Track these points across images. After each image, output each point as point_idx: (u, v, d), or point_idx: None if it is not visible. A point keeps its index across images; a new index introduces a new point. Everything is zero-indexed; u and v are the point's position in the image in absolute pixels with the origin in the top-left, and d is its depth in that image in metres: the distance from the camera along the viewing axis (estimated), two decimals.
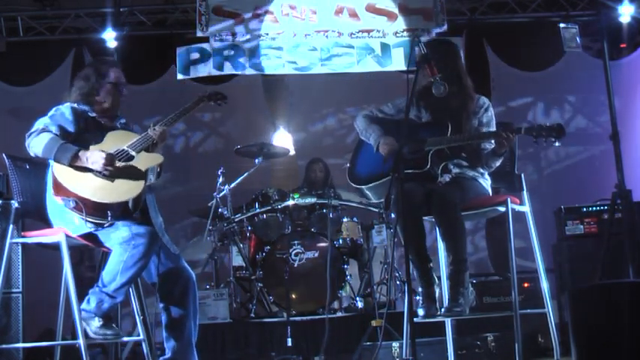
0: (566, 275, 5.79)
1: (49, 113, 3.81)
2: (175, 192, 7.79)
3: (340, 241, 6.06)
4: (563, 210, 5.92)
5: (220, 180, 6.06)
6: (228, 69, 6.16)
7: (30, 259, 4.56)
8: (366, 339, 5.07)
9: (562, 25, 6.38)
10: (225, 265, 6.37)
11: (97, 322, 3.62)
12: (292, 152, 7.34)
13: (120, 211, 3.65)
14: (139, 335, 4.16)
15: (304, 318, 5.58)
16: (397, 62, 6.12)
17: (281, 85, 7.94)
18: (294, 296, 5.67)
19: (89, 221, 3.59)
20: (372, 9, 6.22)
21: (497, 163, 3.96)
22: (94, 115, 3.90)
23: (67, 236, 3.67)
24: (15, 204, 3.86)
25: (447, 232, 3.80)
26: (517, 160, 4.11)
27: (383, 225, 5.99)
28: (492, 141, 3.89)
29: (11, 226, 3.87)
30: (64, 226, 3.68)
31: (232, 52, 6.12)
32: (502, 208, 3.85)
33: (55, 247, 3.69)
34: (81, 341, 3.56)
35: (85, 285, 4.01)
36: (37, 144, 3.67)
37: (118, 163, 3.68)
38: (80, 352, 3.58)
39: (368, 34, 6.17)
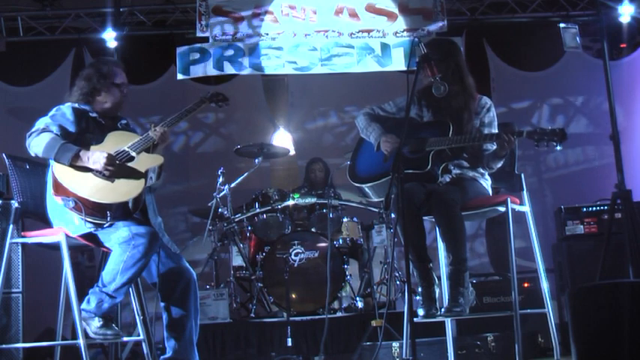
0: (566, 275, 5.79)
1: (50, 113, 3.81)
2: (175, 192, 7.79)
3: (340, 241, 6.07)
4: (563, 210, 5.92)
5: (220, 180, 6.06)
6: (228, 69, 6.15)
7: (30, 259, 4.56)
8: (366, 339, 5.08)
9: (562, 25, 6.38)
10: (225, 265, 6.37)
11: (97, 322, 3.62)
12: (292, 152, 7.34)
13: (120, 212, 3.65)
14: (139, 335, 4.17)
15: (304, 318, 5.58)
16: (397, 62, 6.11)
17: (281, 85, 7.94)
18: (294, 296, 5.67)
19: (88, 221, 3.59)
20: (372, 9, 6.21)
21: (499, 165, 3.96)
22: (94, 115, 3.90)
23: (67, 236, 3.67)
24: (15, 204, 3.87)
25: (447, 232, 3.80)
26: (517, 160, 4.11)
27: (383, 225, 5.99)
28: (494, 142, 3.89)
29: (11, 226, 3.88)
30: (64, 226, 3.68)
31: (232, 52, 6.12)
32: (502, 208, 3.84)
33: (55, 247, 3.69)
34: (81, 341, 3.56)
35: (85, 285, 4.02)
36: (37, 144, 3.67)
37: (118, 164, 3.68)
38: (80, 352, 3.58)
39: (368, 34, 6.17)
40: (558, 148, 3.69)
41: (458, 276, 3.75)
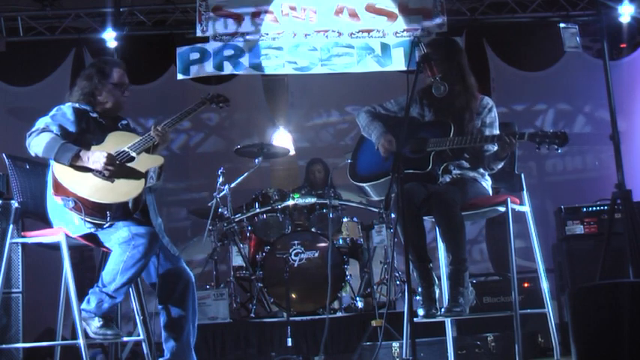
0: (566, 275, 5.79)
1: (51, 113, 3.81)
2: (175, 192, 7.79)
3: (340, 241, 6.07)
4: (563, 210, 5.92)
5: (220, 180, 6.06)
6: (228, 69, 6.15)
7: (30, 259, 4.56)
8: (366, 339, 5.07)
9: (562, 25, 6.38)
10: (225, 265, 6.37)
11: (97, 322, 3.62)
12: (292, 152, 7.34)
13: (120, 212, 3.65)
14: (139, 335, 4.17)
15: (304, 318, 5.58)
16: (397, 62, 6.11)
17: (281, 85, 7.94)
18: (294, 296, 5.67)
19: (88, 221, 3.59)
20: (372, 9, 6.21)
21: (499, 166, 3.95)
22: (95, 115, 3.89)
23: (67, 236, 3.67)
24: (15, 204, 3.87)
25: (447, 232, 3.80)
26: (517, 160, 4.11)
27: (383, 225, 5.99)
28: (495, 143, 3.89)
29: (11, 226, 3.88)
30: (64, 226, 3.68)
31: (232, 52, 6.11)
32: (502, 208, 3.85)
33: (55, 247, 3.69)
34: (81, 341, 3.56)
35: (85, 285, 4.02)
36: (37, 144, 3.67)
37: (118, 164, 3.68)
38: (80, 352, 3.58)
39: (368, 34, 6.17)
40: (559, 151, 3.69)
41: (458, 276, 3.76)
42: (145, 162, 3.75)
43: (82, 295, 3.68)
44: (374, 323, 5.10)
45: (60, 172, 3.63)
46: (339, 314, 5.76)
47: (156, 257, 3.75)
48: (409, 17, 6.20)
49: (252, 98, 7.88)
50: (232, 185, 6.09)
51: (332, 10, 6.20)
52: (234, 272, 6.06)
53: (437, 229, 3.92)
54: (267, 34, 6.16)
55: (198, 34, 6.13)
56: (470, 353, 4.87)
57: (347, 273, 5.81)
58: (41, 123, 3.74)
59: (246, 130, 8.11)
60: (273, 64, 6.15)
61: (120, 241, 3.60)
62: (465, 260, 3.79)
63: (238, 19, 6.18)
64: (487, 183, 4.06)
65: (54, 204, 3.71)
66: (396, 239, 5.20)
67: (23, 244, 4.26)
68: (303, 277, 5.70)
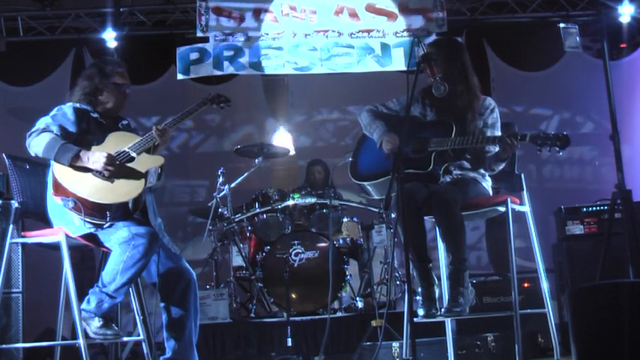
0: (566, 275, 5.79)
1: (51, 113, 3.80)
2: (175, 192, 7.79)
3: (340, 241, 6.07)
4: (563, 210, 5.92)
5: (220, 180, 6.06)
6: (228, 69, 6.15)
7: (30, 259, 4.56)
8: (366, 339, 5.07)
9: (562, 25, 6.38)
10: (225, 265, 6.37)
11: (97, 322, 3.62)
12: (292, 152, 7.34)
13: (119, 212, 3.65)
14: (139, 335, 4.17)
15: (304, 318, 5.58)
16: (397, 62, 6.11)
17: (281, 85, 7.94)
18: (294, 296, 5.67)
19: (87, 221, 3.59)
20: (372, 9, 6.21)
21: (500, 167, 3.95)
22: (96, 115, 3.89)
23: (67, 236, 3.67)
24: (15, 204, 3.87)
25: (447, 232, 3.80)
26: (517, 160, 4.11)
27: (383, 225, 5.99)
28: (496, 144, 3.88)
29: (11, 226, 3.88)
30: (64, 226, 3.68)
31: (232, 52, 6.11)
32: (502, 208, 3.85)
33: (55, 247, 3.69)
34: (81, 341, 3.56)
35: (85, 285, 4.02)
36: (37, 144, 3.67)
37: (118, 164, 3.68)
38: (80, 352, 3.58)
39: (368, 34, 6.17)
40: (561, 153, 3.69)
41: (458, 276, 3.75)
42: (145, 162, 3.75)
43: (82, 295, 3.68)
44: (374, 323, 5.09)
45: (60, 172, 3.63)
46: (339, 314, 5.76)
47: (157, 256, 3.75)
48: (409, 17, 6.19)
49: (252, 98, 7.88)
50: (232, 185, 6.09)
51: (332, 10, 6.20)
52: (234, 272, 6.06)
53: (437, 229, 3.92)
54: (267, 34, 6.16)
55: (199, 34, 6.13)
56: (470, 353, 4.87)
57: (347, 273, 5.81)
58: (41, 123, 3.74)
59: (246, 130, 8.11)
60: (273, 64, 6.15)
61: (120, 241, 3.59)
62: (465, 260, 3.79)
63: (238, 19, 6.18)
64: (487, 184, 4.06)
65: (54, 204, 3.71)
66: (396, 239, 5.20)
67: (23, 244, 4.26)
68: (303, 277, 5.71)
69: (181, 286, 3.82)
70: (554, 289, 5.91)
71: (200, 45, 6.10)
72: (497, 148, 3.89)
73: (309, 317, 5.60)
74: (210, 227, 6.05)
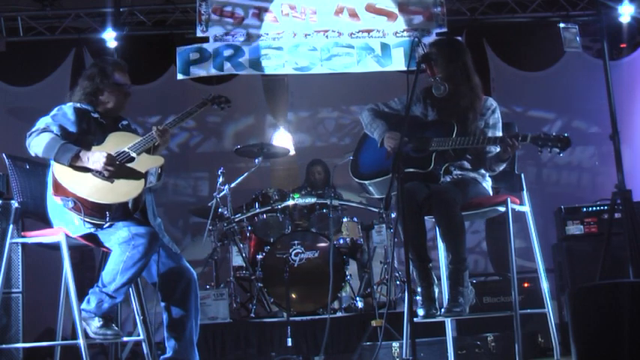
0: (566, 275, 5.79)
1: (51, 113, 3.80)
2: (175, 192, 7.79)
3: (340, 241, 6.07)
4: (563, 210, 5.92)
5: (220, 180, 6.06)
6: (228, 69, 6.15)
7: (30, 259, 4.56)
8: (366, 339, 5.07)
9: (562, 25, 6.38)
10: (225, 265, 6.37)
11: (97, 322, 3.62)
12: (292, 152, 7.34)
13: (119, 212, 3.64)
14: (139, 335, 4.17)
15: (304, 318, 5.58)
16: (397, 62, 6.11)
17: (281, 85, 7.94)
18: (294, 296, 5.67)
19: (87, 222, 3.59)
20: (372, 9, 6.21)
21: (501, 167, 3.95)
22: (96, 115, 3.89)
23: (67, 236, 3.67)
24: (15, 204, 3.86)
25: (447, 232, 3.80)
26: (517, 160, 4.11)
27: (383, 225, 5.99)
28: (497, 145, 3.88)
29: (11, 226, 3.88)
30: (64, 227, 3.68)
31: (232, 52, 6.11)
32: (502, 208, 3.84)
33: (55, 247, 3.69)
34: (81, 341, 3.56)
35: (85, 285, 4.02)
36: (37, 144, 3.67)
37: (118, 164, 3.68)
38: (80, 352, 3.58)
39: (368, 34, 6.17)
40: (561, 155, 3.69)
41: (458, 275, 3.75)
42: (145, 162, 3.75)
43: (82, 295, 3.68)
44: (374, 323, 5.10)
45: (60, 172, 3.63)
46: (339, 314, 5.76)
47: (157, 256, 3.75)
48: (409, 17, 6.19)
49: (252, 98, 7.88)
50: (232, 185, 6.09)
51: (332, 10, 6.20)
52: (234, 272, 6.06)
53: (437, 228, 3.92)
54: (267, 33, 6.16)
55: (198, 34, 6.13)
56: (470, 353, 4.88)
57: (347, 273, 5.81)
58: (42, 123, 3.73)
59: (246, 130, 8.11)
60: (273, 64, 6.15)
61: (120, 241, 3.59)
62: (465, 260, 3.79)
63: (238, 19, 6.18)
64: (488, 184, 4.06)
65: (54, 204, 3.71)
66: (396, 239, 5.20)
67: (23, 244, 4.27)
68: (303, 277, 5.71)
69: (182, 286, 3.82)
70: (554, 289, 5.91)
71: (200, 45, 6.10)
72: (498, 149, 3.89)
73: (309, 317, 5.60)
74: (211, 227, 6.05)
